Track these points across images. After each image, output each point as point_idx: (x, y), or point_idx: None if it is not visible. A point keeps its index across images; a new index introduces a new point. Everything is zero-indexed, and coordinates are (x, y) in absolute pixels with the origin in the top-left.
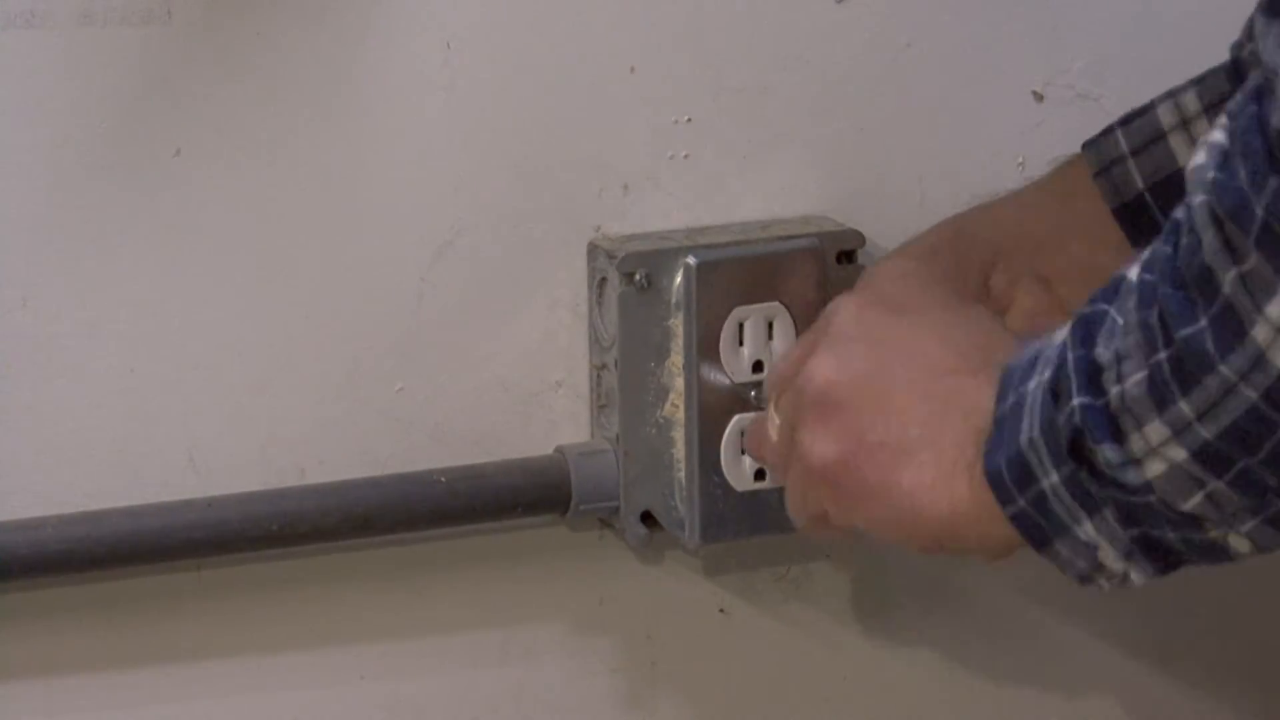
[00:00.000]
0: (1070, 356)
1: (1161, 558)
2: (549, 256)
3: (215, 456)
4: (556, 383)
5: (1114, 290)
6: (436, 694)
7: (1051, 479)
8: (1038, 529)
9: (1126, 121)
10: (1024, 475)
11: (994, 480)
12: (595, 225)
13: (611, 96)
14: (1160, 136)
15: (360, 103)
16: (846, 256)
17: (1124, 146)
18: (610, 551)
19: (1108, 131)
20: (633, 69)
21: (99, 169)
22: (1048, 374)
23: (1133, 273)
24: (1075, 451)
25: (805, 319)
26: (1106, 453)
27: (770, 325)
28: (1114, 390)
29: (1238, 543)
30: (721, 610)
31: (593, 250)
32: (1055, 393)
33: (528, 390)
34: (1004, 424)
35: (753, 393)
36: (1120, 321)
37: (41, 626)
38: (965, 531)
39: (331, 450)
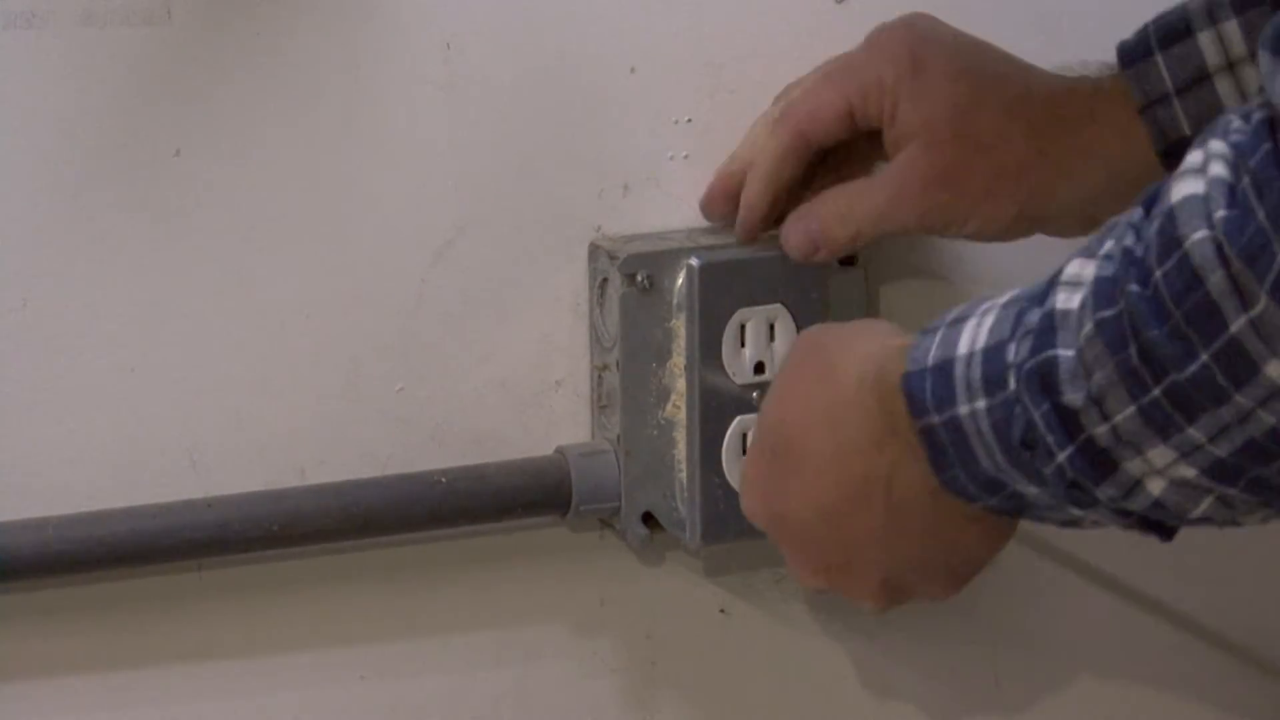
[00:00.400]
0: (1037, 416)
1: (1164, 533)
2: (549, 257)
3: (215, 456)
4: (557, 383)
5: (1049, 329)
6: (436, 694)
7: (1033, 490)
8: (1014, 512)
9: (1165, 41)
10: (996, 489)
11: (956, 490)
12: (596, 225)
13: (611, 96)
14: (1205, 77)
15: (360, 103)
16: (848, 259)
17: (1168, 82)
18: (611, 552)
19: (1147, 52)
20: (633, 69)
21: (99, 169)
22: (1017, 432)
23: (1060, 302)
24: (1074, 495)
25: (807, 320)
26: (1109, 491)
27: (772, 327)
28: (1100, 429)
29: (1247, 520)
30: (722, 610)
31: (594, 251)
32: (1028, 444)
33: (528, 390)
34: (939, 439)
35: (754, 394)
36: (1072, 356)
37: (41, 626)
38: (966, 538)
39: (331, 450)
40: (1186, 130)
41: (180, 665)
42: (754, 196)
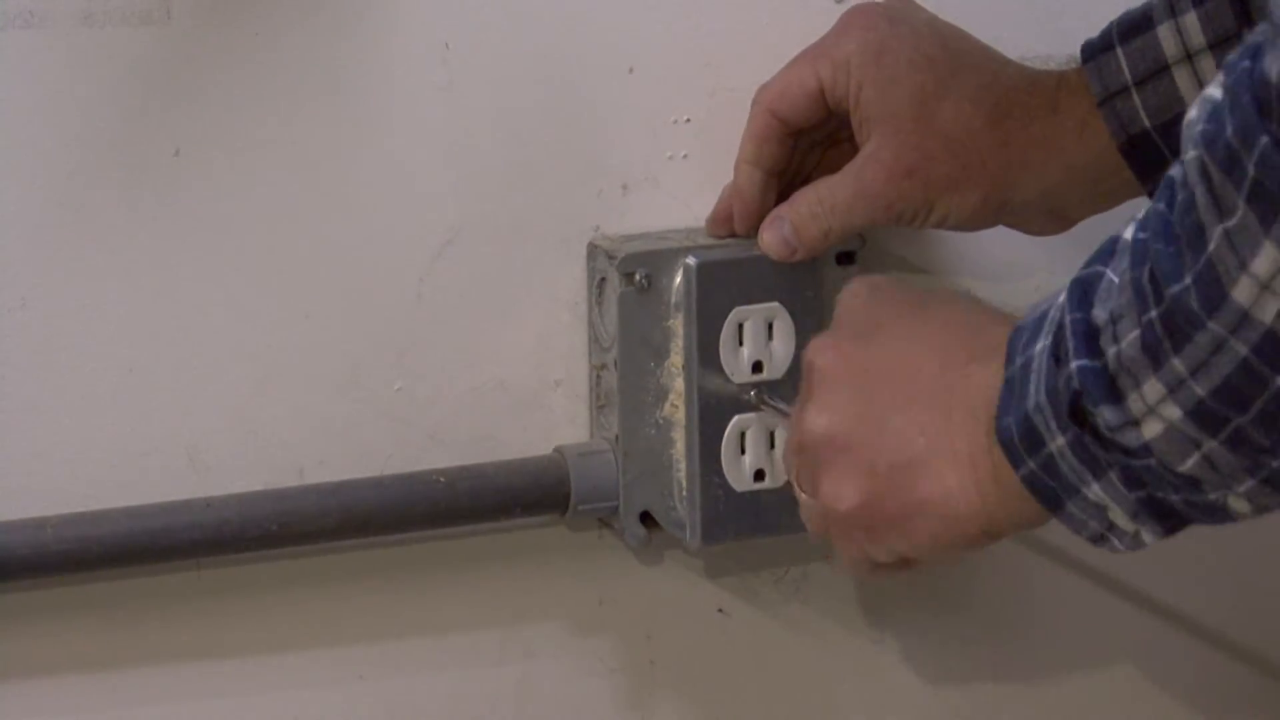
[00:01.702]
0: (1068, 320)
1: (1167, 518)
2: (548, 256)
3: (215, 456)
4: (556, 382)
5: (1109, 252)
6: (436, 694)
7: (1058, 442)
8: (1049, 490)
9: (1126, 35)
10: (1032, 438)
11: (1005, 443)
12: (595, 225)
13: (611, 96)
14: (1164, 68)
15: (360, 103)
16: (846, 257)
17: (1127, 74)
18: (609, 552)
19: (1108, 46)
20: (632, 69)
21: (99, 169)
22: (1049, 338)
23: (1128, 233)
24: (1076, 415)
25: (805, 319)
26: (1106, 414)
27: (770, 326)
28: (1111, 351)
29: (1237, 504)
30: (720, 610)
31: (592, 250)
32: (1056, 356)
33: (527, 390)
34: (1013, 385)
35: (751, 393)
36: (1115, 281)
37: (41, 626)
38: (1000, 515)
39: (331, 450)
40: (1146, 123)
41: (180, 665)
42: (742, 182)
